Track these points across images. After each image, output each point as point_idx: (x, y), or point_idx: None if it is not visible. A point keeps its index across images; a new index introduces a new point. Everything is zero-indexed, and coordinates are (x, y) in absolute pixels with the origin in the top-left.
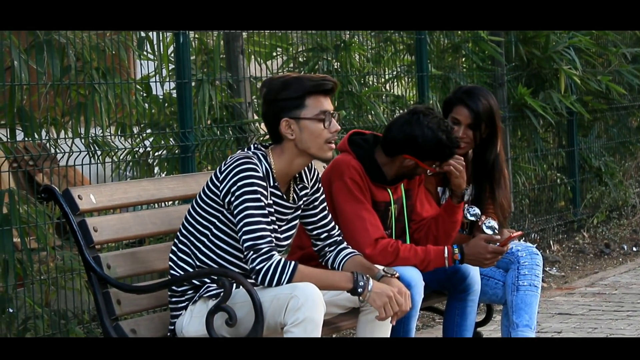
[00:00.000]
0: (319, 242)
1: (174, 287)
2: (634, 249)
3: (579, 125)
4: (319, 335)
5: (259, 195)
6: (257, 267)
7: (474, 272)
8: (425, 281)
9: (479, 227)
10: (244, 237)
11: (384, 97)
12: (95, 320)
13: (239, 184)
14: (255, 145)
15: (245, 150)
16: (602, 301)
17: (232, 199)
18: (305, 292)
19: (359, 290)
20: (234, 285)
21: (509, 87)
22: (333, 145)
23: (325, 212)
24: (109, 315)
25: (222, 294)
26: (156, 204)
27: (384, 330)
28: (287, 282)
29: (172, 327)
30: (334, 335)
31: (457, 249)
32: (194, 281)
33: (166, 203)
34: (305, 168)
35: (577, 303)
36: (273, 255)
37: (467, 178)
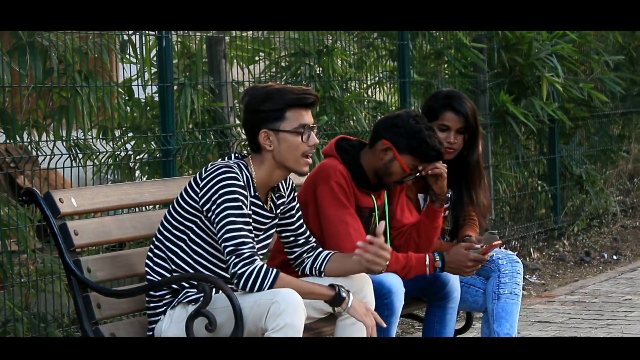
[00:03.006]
0: (296, 249)
1: (151, 292)
2: (614, 257)
3: (560, 133)
4: None
5: (240, 203)
6: (240, 272)
7: (454, 280)
8: (405, 288)
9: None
10: (225, 243)
11: (365, 103)
12: (75, 323)
13: (221, 191)
14: (236, 155)
15: (226, 159)
16: (582, 309)
17: (213, 206)
18: (287, 298)
19: (340, 299)
20: (214, 290)
21: (490, 94)
22: (309, 160)
23: (302, 220)
24: (88, 319)
25: (202, 299)
26: (137, 208)
27: (362, 335)
28: (269, 288)
29: (151, 333)
30: None
31: (438, 257)
32: (172, 286)
33: (147, 207)
34: None
35: (557, 311)
36: (255, 260)
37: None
